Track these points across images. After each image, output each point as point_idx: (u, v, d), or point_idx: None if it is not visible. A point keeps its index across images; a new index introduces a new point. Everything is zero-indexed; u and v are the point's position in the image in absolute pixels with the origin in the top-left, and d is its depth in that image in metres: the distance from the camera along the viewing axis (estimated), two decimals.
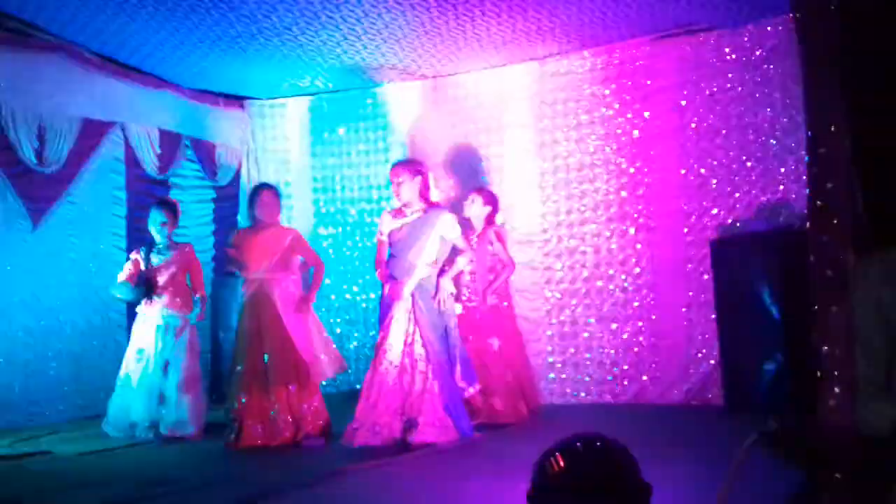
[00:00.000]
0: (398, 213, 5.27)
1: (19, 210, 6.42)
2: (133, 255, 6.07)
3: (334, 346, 5.71)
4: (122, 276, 5.96)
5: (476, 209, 6.15)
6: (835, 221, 2.11)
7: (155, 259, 5.96)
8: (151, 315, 5.89)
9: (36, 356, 6.50)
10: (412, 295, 5.05)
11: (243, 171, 8.47)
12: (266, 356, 5.23)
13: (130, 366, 5.82)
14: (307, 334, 5.41)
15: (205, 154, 8.06)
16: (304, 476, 4.07)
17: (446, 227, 5.15)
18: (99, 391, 6.41)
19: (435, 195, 5.35)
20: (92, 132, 6.92)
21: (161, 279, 5.92)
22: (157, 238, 6.00)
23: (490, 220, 6.18)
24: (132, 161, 7.33)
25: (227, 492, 3.70)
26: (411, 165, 5.32)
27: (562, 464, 2.53)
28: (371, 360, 5.16)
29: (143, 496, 3.62)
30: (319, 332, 5.51)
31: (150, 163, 7.45)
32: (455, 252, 5.26)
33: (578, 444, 2.60)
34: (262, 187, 5.76)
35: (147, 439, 5.59)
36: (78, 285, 6.82)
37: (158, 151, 7.53)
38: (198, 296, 6.01)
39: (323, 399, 5.49)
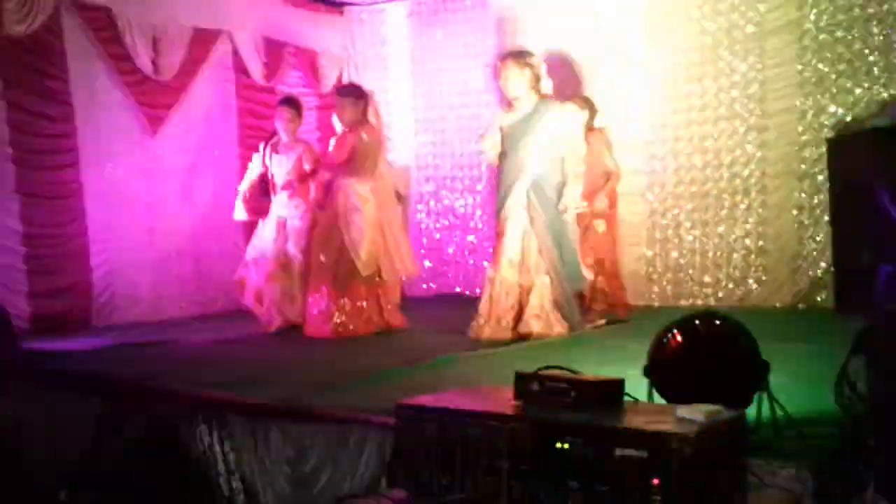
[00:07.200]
0: (509, 107, 5.18)
1: (139, 118, 6.74)
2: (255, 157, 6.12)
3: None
4: (245, 179, 6.11)
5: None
6: None
7: (276, 158, 6.01)
8: (271, 212, 5.98)
9: (160, 256, 6.90)
10: (526, 193, 4.99)
11: (344, 79, 8.56)
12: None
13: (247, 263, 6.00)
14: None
15: (307, 62, 8.19)
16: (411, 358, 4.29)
17: (558, 121, 5.00)
18: (217, 290, 6.87)
19: (547, 87, 5.14)
20: (202, 40, 7.13)
21: (280, 177, 5.98)
22: (283, 136, 6.06)
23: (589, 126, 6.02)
24: (241, 69, 7.54)
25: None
26: (520, 56, 5.13)
27: (679, 339, 2.59)
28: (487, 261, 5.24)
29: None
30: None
31: (256, 71, 7.64)
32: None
33: (696, 321, 2.65)
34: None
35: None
36: (196, 189, 7.16)
37: (264, 59, 7.71)
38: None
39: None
